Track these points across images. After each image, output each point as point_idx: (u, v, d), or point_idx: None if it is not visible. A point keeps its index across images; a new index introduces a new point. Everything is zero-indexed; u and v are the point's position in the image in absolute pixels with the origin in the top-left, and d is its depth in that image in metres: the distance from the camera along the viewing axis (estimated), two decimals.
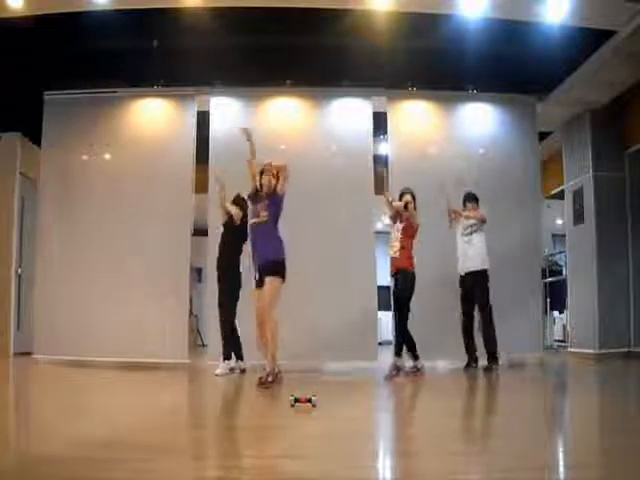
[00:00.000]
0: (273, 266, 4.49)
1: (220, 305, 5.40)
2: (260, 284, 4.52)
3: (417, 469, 2.08)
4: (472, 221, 5.69)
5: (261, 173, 4.70)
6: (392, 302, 5.38)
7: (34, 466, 1.99)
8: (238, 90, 6.58)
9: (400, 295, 5.23)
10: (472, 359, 5.57)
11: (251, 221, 4.71)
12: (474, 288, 5.57)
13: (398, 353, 5.19)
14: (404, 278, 5.21)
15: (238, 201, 5.44)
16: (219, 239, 5.57)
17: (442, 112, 6.74)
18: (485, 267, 5.58)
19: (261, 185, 4.68)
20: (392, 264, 5.36)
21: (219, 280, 5.46)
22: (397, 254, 5.26)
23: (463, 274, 5.67)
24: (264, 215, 4.57)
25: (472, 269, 5.60)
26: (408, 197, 5.31)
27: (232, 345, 5.34)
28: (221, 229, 5.60)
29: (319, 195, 6.19)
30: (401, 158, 6.47)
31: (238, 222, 5.39)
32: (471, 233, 5.67)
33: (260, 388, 4.26)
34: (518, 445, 2.39)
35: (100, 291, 6.13)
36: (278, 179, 4.64)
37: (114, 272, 6.15)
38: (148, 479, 1.89)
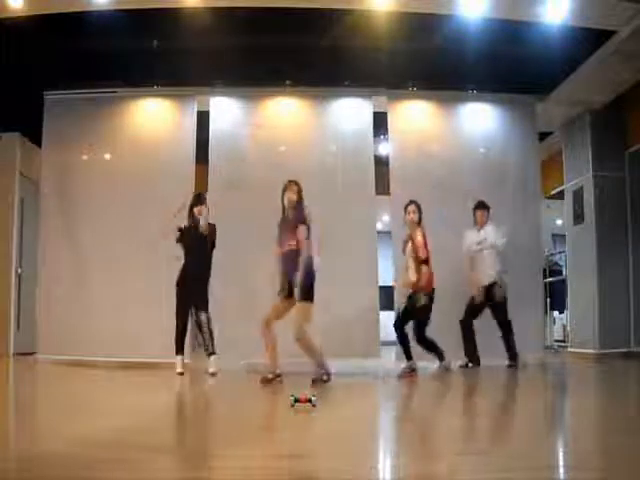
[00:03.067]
0: (301, 291, 4.46)
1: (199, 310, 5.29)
2: (289, 295, 4.51)
3: (419, 469, 2.07)
4: (484, 235, 5.65)
5: (283, 191, 4.59)
6: (401, 315, 5.29)
7: (34, 466, 1.99)
8: (238, 90, 6.57)
9: (419, 314, 5.12)
10: (472, 359, 5.58)
11: (277, 250, 4.61)
12: (490, 302, 5.55)
13: (410, 357, 5.18)
14: (425, 299, 5.08)
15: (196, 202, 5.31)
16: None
17: (442, 112, 6.74)
18: (495, 280, 5.54)
19: (283, 205, 4.60)
20: (410, 285, 5.18)
21: (189, 295, 5.28)
22: (414, 276, 5.11)
23: (481, 287, 5.58)
24: (292, 244, 4.50)
25: (486, 282, 5.56)
26: (412, 207, 5.27)
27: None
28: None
29: (320, 195, 6.16)
30: (401, 158, 6.46)
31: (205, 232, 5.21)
32: (482, 248, 5.63)
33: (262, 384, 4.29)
34: (520, 445, 2.39)
35: (101, 291, 6.12)
36: (300, 196, 4.57)
37: (114, 272, 6.14)
38: (148, 479, 1.89)
